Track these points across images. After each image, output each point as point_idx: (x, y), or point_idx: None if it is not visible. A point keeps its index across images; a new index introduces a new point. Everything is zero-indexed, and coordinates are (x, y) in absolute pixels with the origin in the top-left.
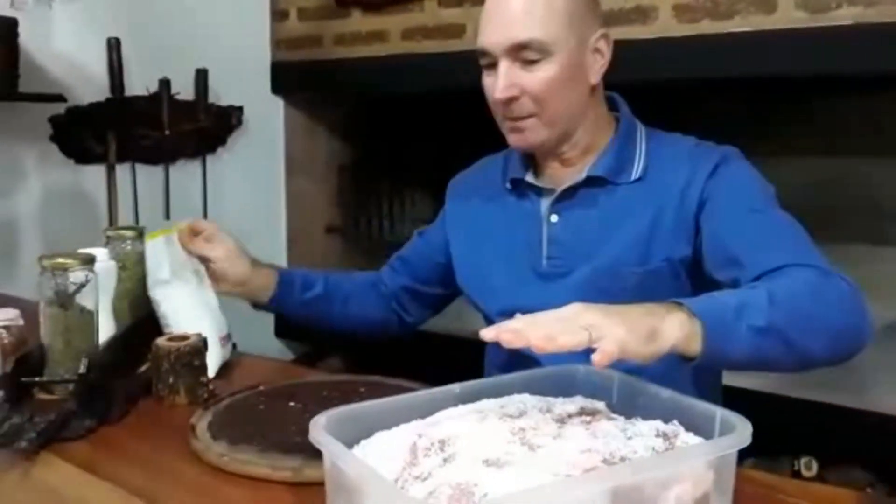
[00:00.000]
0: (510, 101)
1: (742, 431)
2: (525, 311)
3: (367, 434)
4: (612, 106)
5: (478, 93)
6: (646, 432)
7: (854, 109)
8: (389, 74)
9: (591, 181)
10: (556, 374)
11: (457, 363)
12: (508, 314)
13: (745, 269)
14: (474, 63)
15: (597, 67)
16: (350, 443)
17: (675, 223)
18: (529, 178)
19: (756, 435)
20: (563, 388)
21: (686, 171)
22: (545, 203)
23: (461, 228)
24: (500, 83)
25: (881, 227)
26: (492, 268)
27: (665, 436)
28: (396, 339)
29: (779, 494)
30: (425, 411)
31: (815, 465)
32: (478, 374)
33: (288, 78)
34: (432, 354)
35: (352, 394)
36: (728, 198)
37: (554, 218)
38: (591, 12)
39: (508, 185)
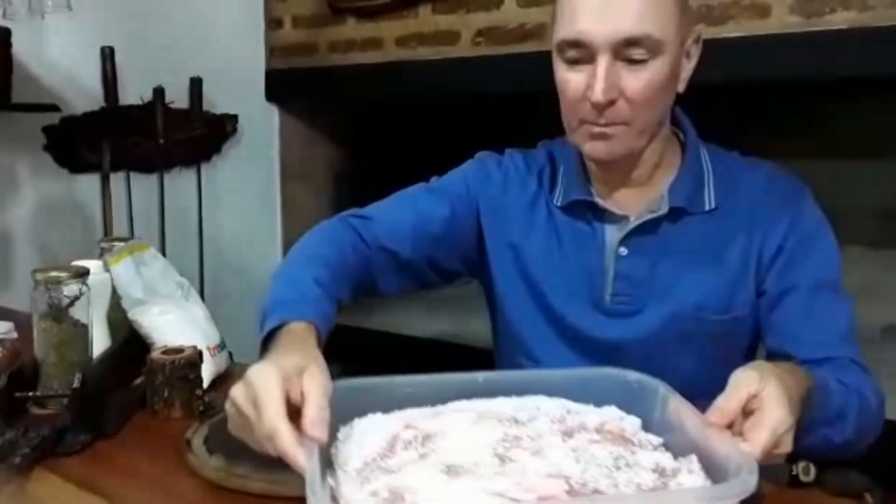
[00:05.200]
0: (606, 105)
1: (728, 486)
2: (586, 346)
3: (381, 409)
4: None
5: (473, 97)
6: (643, 464)
7: (849, 112)
8: (384, 81)
9: (668, 213)
10: (602, 378)
11: (456, 371)
12: (567, 346)
13: (802, 350)
14: (469, 69)
15: (685, 74)
16: (355, 416)
17: (756, 269)
18: (599, 201)
19: None
20: (605, 394)
21: (765, 212)
22: (612, 231)
23: (497, 227)
24: (600, 84)
25: (877, 230)
26: (544, 291)
27: (662, 472)
28: (398, 347)
29: None
30: (441, 397)
31: (812, 470)
32: None
33: (283, 85)
34: (434, 362)
35: None
36: (804, 269)
37: (623, 251)
38: (689, 7)
39: (559, 202)
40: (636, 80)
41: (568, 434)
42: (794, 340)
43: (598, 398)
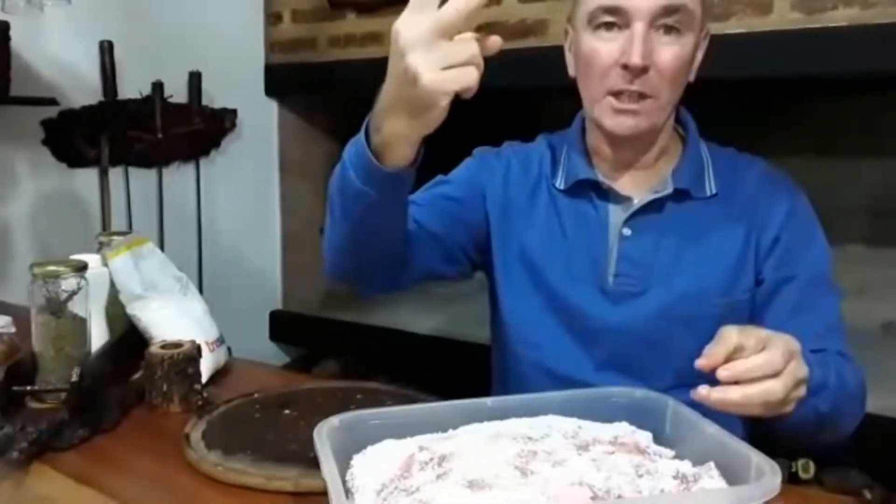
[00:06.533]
0: (640, 71)
1: (755, 487)
2: (588, 329)
3: (393, 437)
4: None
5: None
6: (664, 472)
7: (850, 110)
8: (384, 76)
9: (672, 194)
10: (610, 396)
11: (455, 368)
12: (569, 330)
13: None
14: None
15: (695, 65)
16: (364, 446)
17: (755, 256)
18: (604, 181)
19: (754, 438)
20: (613, 412)
21: (763, 202)
22: (616, 212)
23: (500, 216)
24: (638, 47)
25: (877, 228)
26: (546, 275)
27: (684, 478)
28: (397, 343)
29: None
30: (451, 422)
31: (812, 468)
32: (477, 379)
33: (282, 80)
34: (430, 358)
35: (348, 401)
36: (800, 261)
37: (627, 231)
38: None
39: (562, 185)
40: (667, 52)
41: (583, 448)
42: (786, 331)
43: (606, 416)
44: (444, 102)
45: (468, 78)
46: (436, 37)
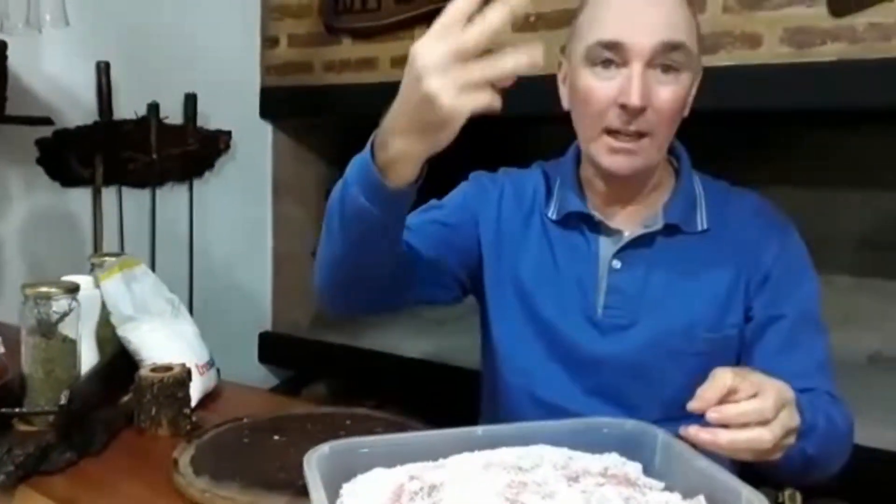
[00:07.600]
0: (638, 111)
1: None
2: (577, 359)
3: (382, 466)
4: None
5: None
6: None
7: (837, 143)
8: (378, 101)
9: (662, 228)
10: (600, 427)
11: (444, 392)
12: (557, 359)
13: (781, 379)
14: None
15: (689, 100)
16: (354, 474)
17: (744, 292)
18: (595, 213)
19: (740, 468)
20: (604, 442)
21: (754, 238)
22: (606, 245)
23: (492, 242)
24: (637, 88)
25: (863, 259)
26: (536, 304)
27: None
28: (386, 366)
29: None
30: (441, 451)
31: (798, 498)
32: (466, 404)
33: (277, 103)
34: (419, 382)
35: (338, 427)
36: (790, 299)
37: (617, 264)
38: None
39: (554, 216)
40: (665, 92)
41: (573, 479)
42: (775, 369)
43: (596, 447)
44: (460, 123)
45: (485, 99)
46: (453, 62)
